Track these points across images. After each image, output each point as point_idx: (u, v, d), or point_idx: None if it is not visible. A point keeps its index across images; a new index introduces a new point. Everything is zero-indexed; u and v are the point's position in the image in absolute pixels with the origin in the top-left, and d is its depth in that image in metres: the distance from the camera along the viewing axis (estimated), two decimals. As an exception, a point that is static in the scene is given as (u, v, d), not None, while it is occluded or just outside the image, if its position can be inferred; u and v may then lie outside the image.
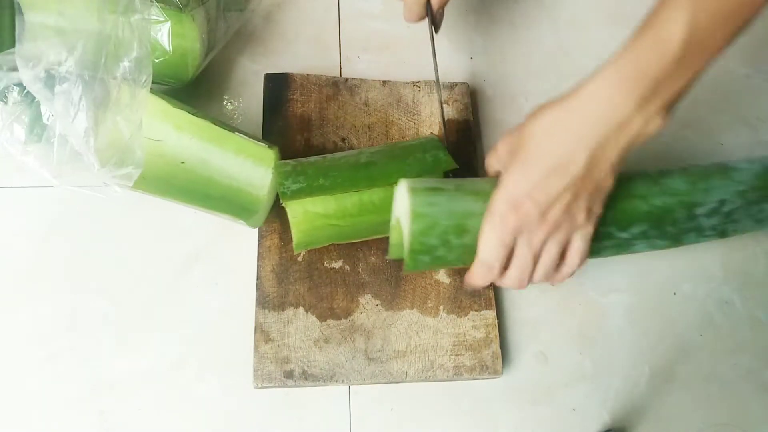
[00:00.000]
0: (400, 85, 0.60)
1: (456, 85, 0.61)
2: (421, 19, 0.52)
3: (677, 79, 0.36)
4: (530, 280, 0.44)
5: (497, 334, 0.51)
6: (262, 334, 0.49)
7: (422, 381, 0.50)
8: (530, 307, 0.55)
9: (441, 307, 0.52)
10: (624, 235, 0.46)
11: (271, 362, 0.48)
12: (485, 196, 0.42)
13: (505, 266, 0.43)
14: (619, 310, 0.56)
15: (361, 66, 0.62)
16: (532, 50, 0.66)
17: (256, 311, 0.50)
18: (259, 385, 0.48)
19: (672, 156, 0.63)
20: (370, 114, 0.58)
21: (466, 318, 0.51)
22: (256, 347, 0.49)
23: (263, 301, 0.50)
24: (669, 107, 0.38)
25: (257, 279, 0.51)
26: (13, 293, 0.49)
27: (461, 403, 0.51)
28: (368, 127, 0.58)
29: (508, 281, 0.44)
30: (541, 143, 0.39)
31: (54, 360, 0.49)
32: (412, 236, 0.41)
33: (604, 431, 0.52)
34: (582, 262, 0.44)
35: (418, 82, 0.60)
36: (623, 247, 0.48)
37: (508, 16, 0.67)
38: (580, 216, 0.42)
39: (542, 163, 0.39)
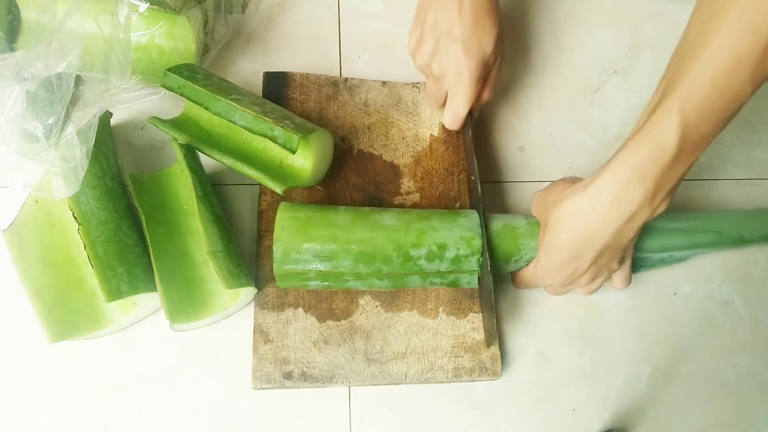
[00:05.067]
0: (399, 86, 0.60)
1: (456, 84, 0.60)
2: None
3: (676, 172, 0.42)
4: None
5: (497, 336, 0.51)
6: (261, 334, 0.49)
7: (422, 383, 0.50)
8: (530, 308, 0.55)
9: (440, 309, 0.52)
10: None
11: (270, 363, 0.48)
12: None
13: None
14: (619, 310, 0.56)
15: (360, 66, 0.62)
16: (530, 48, 0.66)
17: (255, 312, 0.50)
18: (258, 386, 0.48)
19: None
20: (369, 114, 0.58)
21: (466, 320, 0.51)
22: (255, 348, 0.49)
23: (262, 302, 0.50)
24: (671, 193, 0.43)
25: (256, 279, 0.51)
26: (13, 291, 0.49)
27: (462, 403, 0.51)
28: (368, 128, 0.58)
29: (550, 291, 0.52)
30: (563, 232, 0.45)
31: (54, 360, 0.49)
32: None
33: (604, 431, 0.52)
34: (625, 286, 0.52)
35: (417, 83, 0.60)
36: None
37: (506, 14, 0.66)
38: (613, 266, 0.49)
39: (567, 248, 0.46)
